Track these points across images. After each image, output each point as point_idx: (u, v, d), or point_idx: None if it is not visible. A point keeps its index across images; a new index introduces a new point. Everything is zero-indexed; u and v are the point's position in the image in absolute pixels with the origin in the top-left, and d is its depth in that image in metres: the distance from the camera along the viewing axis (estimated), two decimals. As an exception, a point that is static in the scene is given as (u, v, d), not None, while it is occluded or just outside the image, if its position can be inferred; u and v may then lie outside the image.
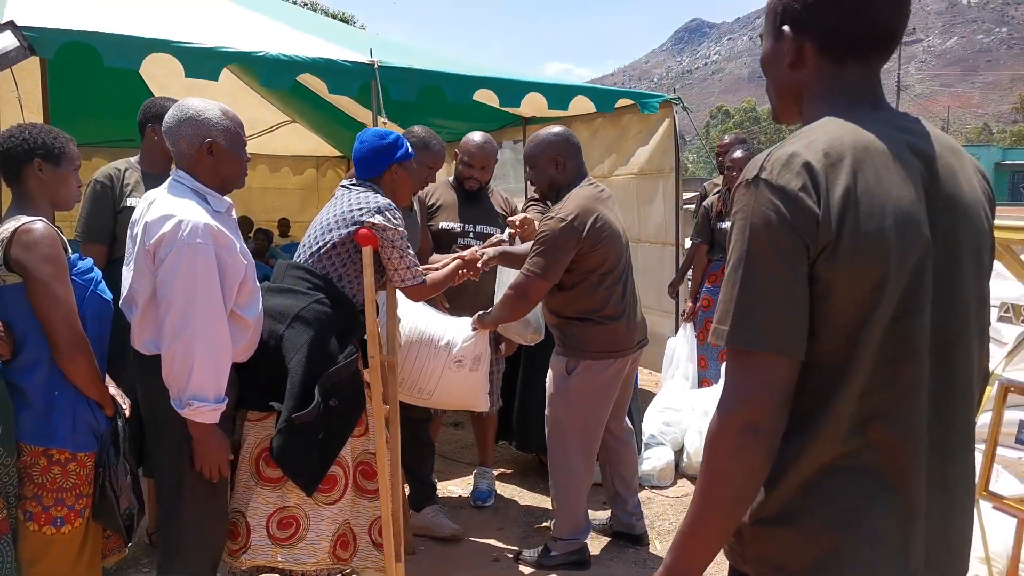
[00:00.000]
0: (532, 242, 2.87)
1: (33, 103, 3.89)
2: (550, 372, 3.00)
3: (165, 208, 2.07)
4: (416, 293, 2.59)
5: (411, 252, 2.52)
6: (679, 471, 4.04)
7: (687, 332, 4.59)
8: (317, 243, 2.46)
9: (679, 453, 4.07)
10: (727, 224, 4.47)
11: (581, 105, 4.85)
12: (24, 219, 2.03)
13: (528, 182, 6.76)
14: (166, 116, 2.18)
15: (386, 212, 2.46)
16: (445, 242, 3.48)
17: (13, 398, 2.02)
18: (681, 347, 4.57)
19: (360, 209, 2.45)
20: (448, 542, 3.24)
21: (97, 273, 2.22)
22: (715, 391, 4.28)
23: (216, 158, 2.16)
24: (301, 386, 2.27)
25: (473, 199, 3.58)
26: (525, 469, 4.12)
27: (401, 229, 2.47)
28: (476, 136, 3.56)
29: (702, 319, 4.57)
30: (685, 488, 3.89)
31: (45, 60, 3.49)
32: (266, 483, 2.35)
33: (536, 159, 2.96)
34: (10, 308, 2.03)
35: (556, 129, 3.01)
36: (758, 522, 1.11)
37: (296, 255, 2.52)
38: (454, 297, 3.36)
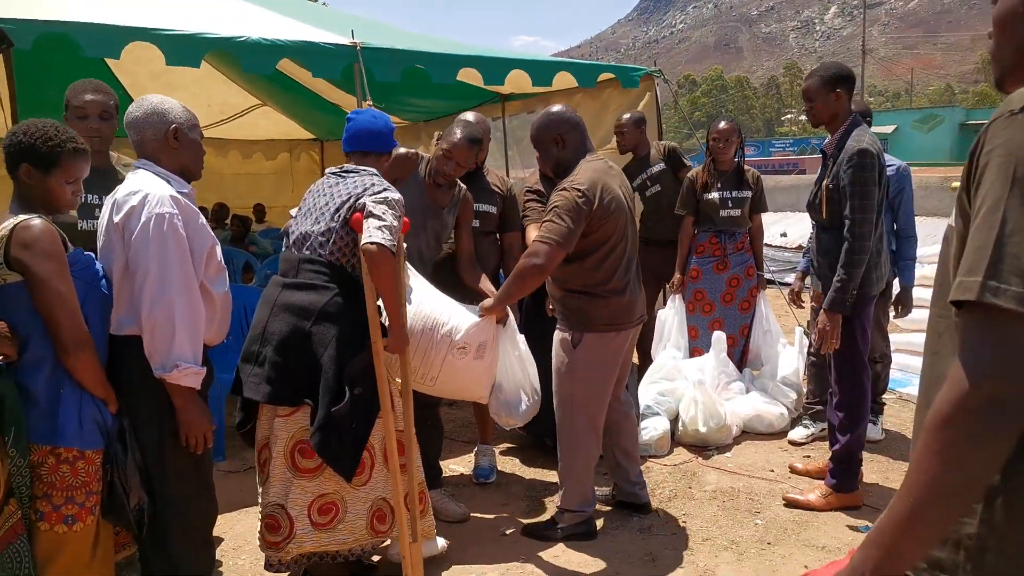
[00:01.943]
0: (546, 211, 2.86)
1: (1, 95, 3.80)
2: (555, 348, 3.02)
3: (131, 185, 2.18)
4: (378, 255, 2.30)
5: (393, 221, 2.37)
6: (675, 439, 4.12)
7: (676, 304, 4.65)
8: (324, 235, 2.46)
9: (674, 422, 4.15)
10: (713, 195, 4.51)
11: (564, 81, 4.85)
12: (22, 216, 2.01)
13: (508, 160, 6.79)
14: (129, 109, 2.30)
15: (385, 192, 2.45)
16: None
17: (20, 397, 1.99)
18: (671, 319, 4.62)
19: (355, 195, 2.46)
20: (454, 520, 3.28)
21: (98, 267, 2.20)
22: (707, 360, 4.36)
23: (180, 143, 2.29)
24: (335, 380, 2.35)
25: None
26: (525, 445, 4.17)
27: (391, 199, 2.42)
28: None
29: (691, 290, 4.63)
30: (682, 456, 3.97)
31: (9, 51, 3.42)
32: (303, 474, 2.43)
33: (538, 141, 3.00)
34: (12, 307, 2.00)
35: (553, 108, 3.03)
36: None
37: (304, 245, 2.50)
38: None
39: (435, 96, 5.98)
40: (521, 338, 3.08)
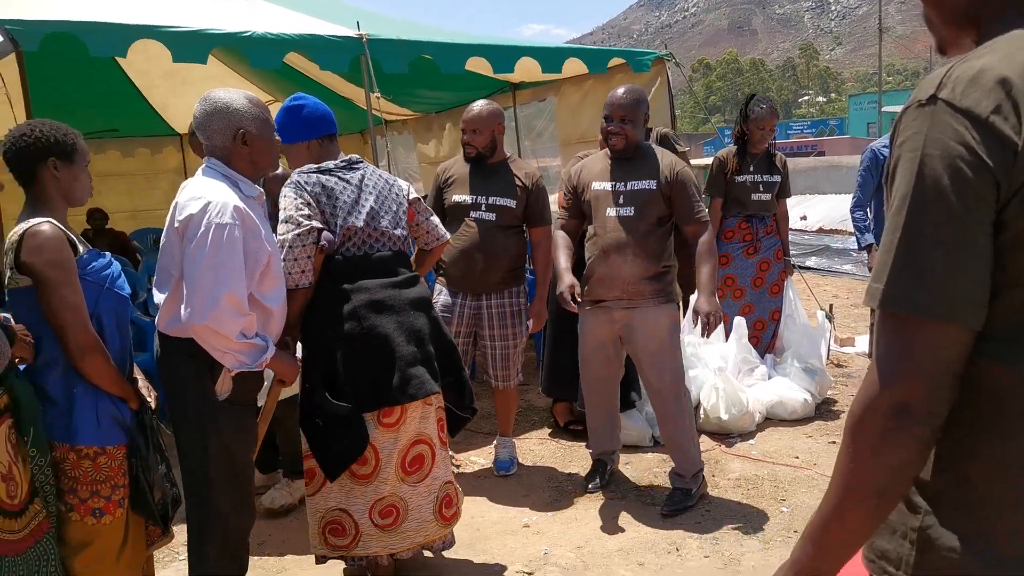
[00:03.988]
0: (688, 191, 3.12)
1: (14, 97, 3.81)
2: (661, 327, 3.14)
3: (196, 190, 2.12)
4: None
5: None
6: (697, 427, 4.05)
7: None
8: (397, 229, 2.59)
9: (696, 409, 4.08)
10: (745, 179, 4.42)
11: (573, 67, 4.79)
12: (34, 221, 2.00)
13: (521, 151, 6.74)
14: (195, 110, 2.22)
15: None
16: (457, 214, 3.45)
17: (37, 397, 2.00)
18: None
19: (404, 188, 2.72)
20: (474, 511, 3.25)
21: (115, 268, 2.17)
22: (729, 346, 4.29)
23: (250, 147, 2.21)
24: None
25: (485, 171, 3.49)
26: (545, 437, 4.14)
27: None
28: (474, 104, 3.50)
29: (721, 276, 4.49)
30: (704, 444, 3.89)
31: (22, 53, 3.42)
32: (445, 446, 2.69)
33: (637, 114, 3.16)
34: (24, 310, 2.01)
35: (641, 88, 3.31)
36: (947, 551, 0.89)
37: (381, 244, 2.54)
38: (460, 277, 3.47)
39: (445, 87, 5.93)
40: None
